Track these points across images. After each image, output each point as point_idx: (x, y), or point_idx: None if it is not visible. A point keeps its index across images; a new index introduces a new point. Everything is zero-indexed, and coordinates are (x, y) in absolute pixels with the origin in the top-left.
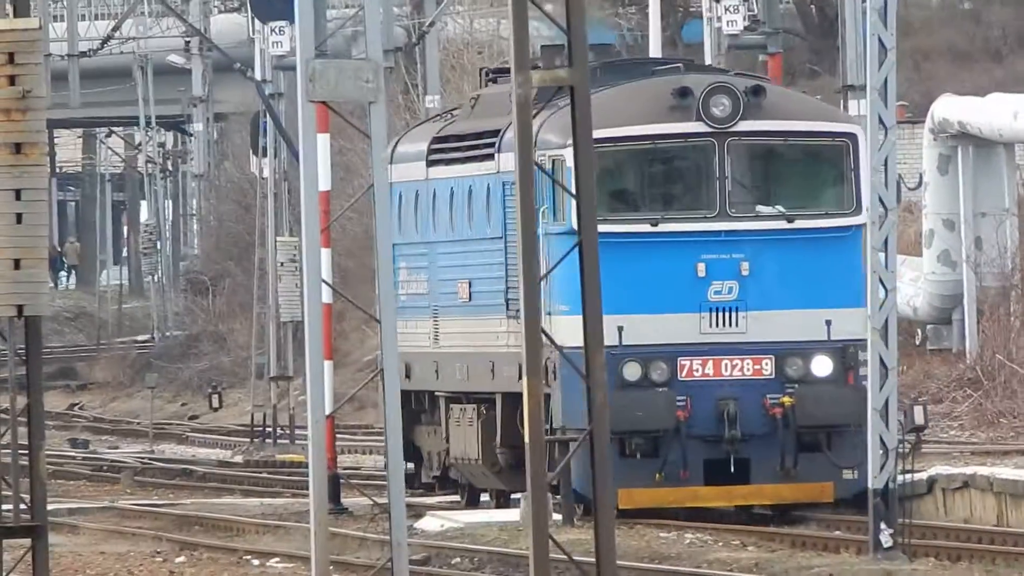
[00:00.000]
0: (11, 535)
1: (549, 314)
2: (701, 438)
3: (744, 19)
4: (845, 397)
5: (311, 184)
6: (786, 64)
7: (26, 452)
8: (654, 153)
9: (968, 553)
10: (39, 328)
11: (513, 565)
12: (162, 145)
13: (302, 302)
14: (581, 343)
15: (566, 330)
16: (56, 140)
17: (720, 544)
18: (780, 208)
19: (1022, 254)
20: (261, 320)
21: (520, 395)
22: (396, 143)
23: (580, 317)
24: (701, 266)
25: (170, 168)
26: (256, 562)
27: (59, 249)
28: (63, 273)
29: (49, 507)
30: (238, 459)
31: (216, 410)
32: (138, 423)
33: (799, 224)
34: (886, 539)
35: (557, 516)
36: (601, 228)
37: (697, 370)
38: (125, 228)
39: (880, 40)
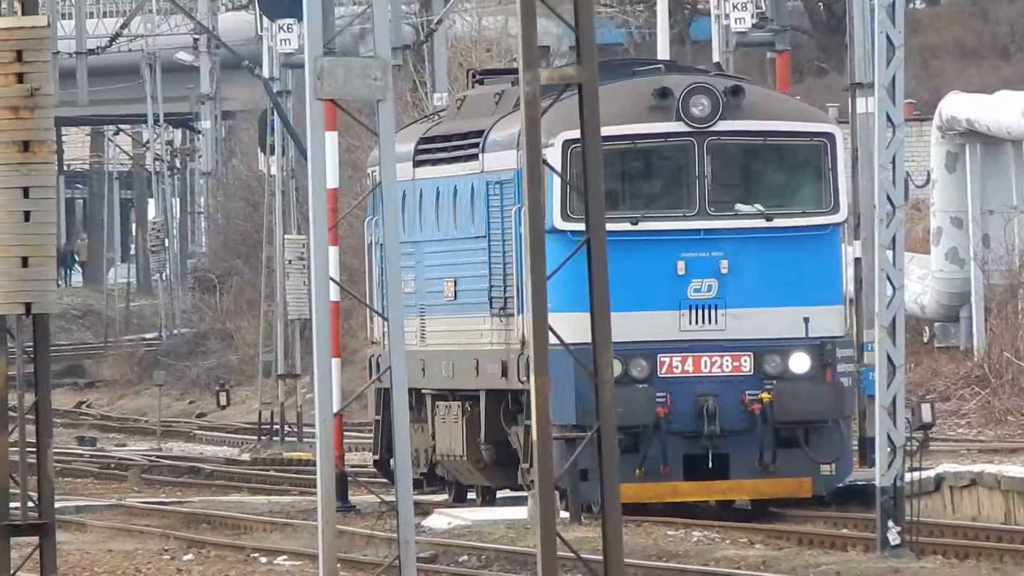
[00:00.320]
0: (19, 533)
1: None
2: (681, 434)
3: (752, 17)
4: (823, 393)
5: (319, 182)
6: (794, 62)
7: (34, 450)
8: (634, 153)
9: (976, 551)
10: (47, 326)
11: (520, 563)
12: (170, 143)
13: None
14: (568, 340)
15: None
16: (64, 138)
17: (727, 542)
18: (759, 207)
19: None
20: (269, 318)
21: (502, 392)
22: None
23: (566, 314)
24: (681, 264)
25: (178, 166)
26: (264, 560)
27: (70, 247)
28: (71, 271)
29: (57, 505)
30: (245, 457)
31: (224, 408)
32: (146, 421)
33: (777, 223)
34: (894, 537)
35: (565, 514)
36: (583, 227)
37: (677, 367)
38: (133, 226)
39: (888, 37)
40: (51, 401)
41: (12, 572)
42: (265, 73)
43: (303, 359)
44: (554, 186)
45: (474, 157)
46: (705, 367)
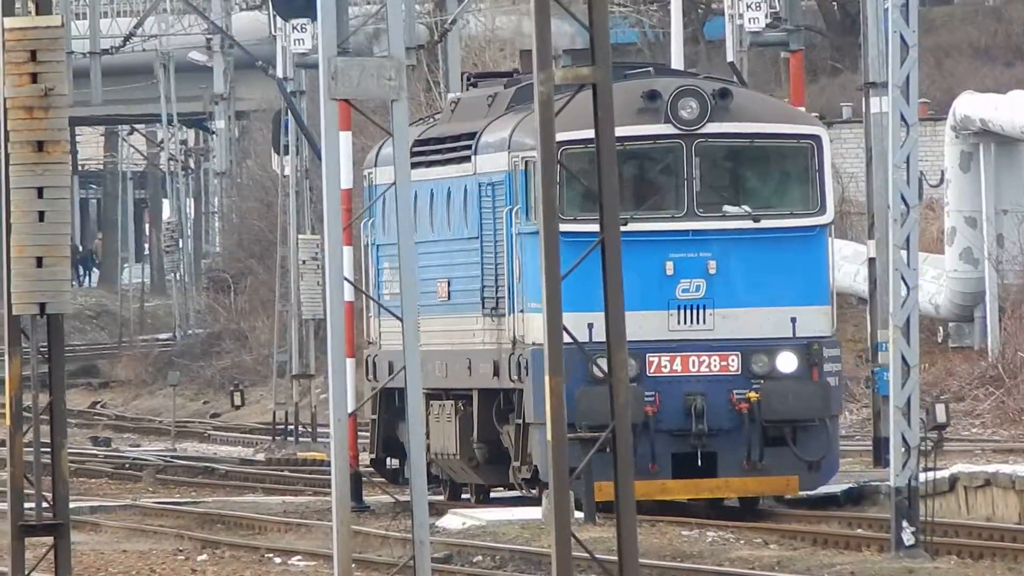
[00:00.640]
0: (33, 533)
1: (522, 311)
2: (669, 432)
3: (766, 16)
4: (809, 392)
5: (333, 182)
6: (808, 61)
7: (48, 450)
8: (623, 154)
9: (990, 551)
10: (61, 326)
11: (535, 563)
12: (184, 143)
13: (324, 300)
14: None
15: (539, 327)
16: (78, 138)
17: (742, 542)
18: (746, 208)
19: None
20: (283, 318)
21: (495, 391)
22: (381, 146)
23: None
24: (669, 265)
25: (192, 166)
26: (278, 560)
27: (90, 247)
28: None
29: (71, 505)
30: (260, 457)
31: (238, 408)
32: (160, 421)
33: (765, 224)
34: (908, 537)
35: (579, 514)
36: (572, 228)
37: (665, 366)
38: (147, 226)
39: (902, 37)
40: (65, 401)
41: (27, 572)
42: (279, 73)
43: (317, 359)
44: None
45: (467, 159)
46: (693, 366)
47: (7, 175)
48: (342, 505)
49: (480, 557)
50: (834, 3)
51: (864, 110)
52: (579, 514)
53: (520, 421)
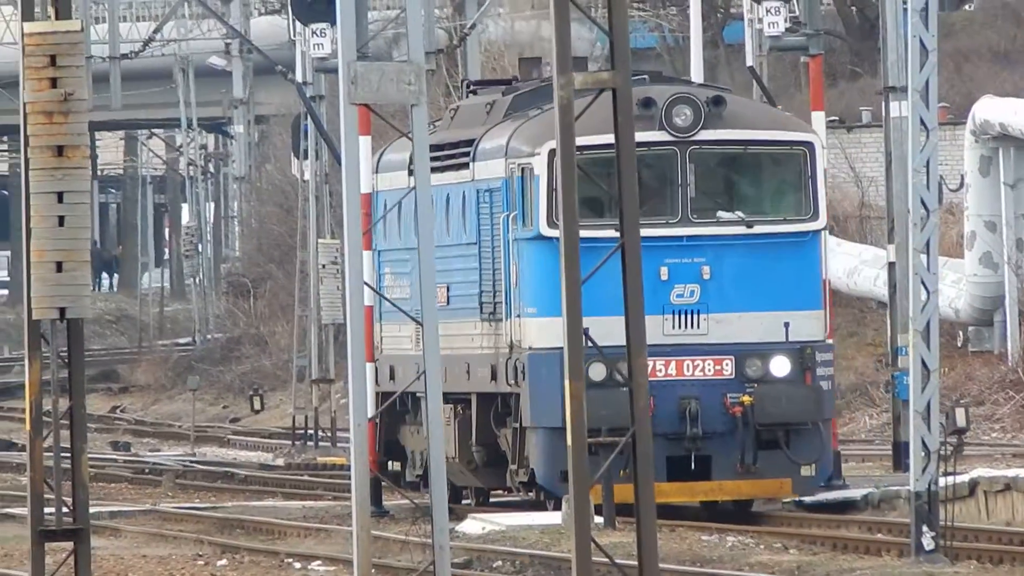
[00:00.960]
0: (53, 538)
1: (519, 316)
2: (664, 436)
3: (785, 21)
4: (803, 396)
5: (353, 186)
6: (827, 66)
7: (68, 455)
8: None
9: (1010, 556)
10: (81, 331)
11: (555, 568)
12: (203, 147)
13: (344, 305)
14: (550, 344)
15: (536, 331)
16: (97, 142)
17: (762, 547)
18: (740, 214)
19: None
20: (302, 323)
21: (492, 395)
22: (382, 153)
23: (549, 319)
24: (664, 270)
25: (211, 170)
26: (298, 565)
27: (113, 252)
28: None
29: (91, 510)
30: (280, 462)
31: (257, 413)
32: (180, 426)
33: (758, 230)
34: (928, 542)
35: (599, 518)
36: None
37: (660, 370)
38: (167, 231)
39: (921, 41)
40: (85, 406)
41: None
42: (298, 78)
43: (337, 364)
44: (540, 193)
45: (465, 166)
46: (688, 370)
47: (27, 180)
48: (362, 510)
49: (500, 562)
50: (853, 7)
51: (884, 114)
52: (599, 519)
53: (517, 425)
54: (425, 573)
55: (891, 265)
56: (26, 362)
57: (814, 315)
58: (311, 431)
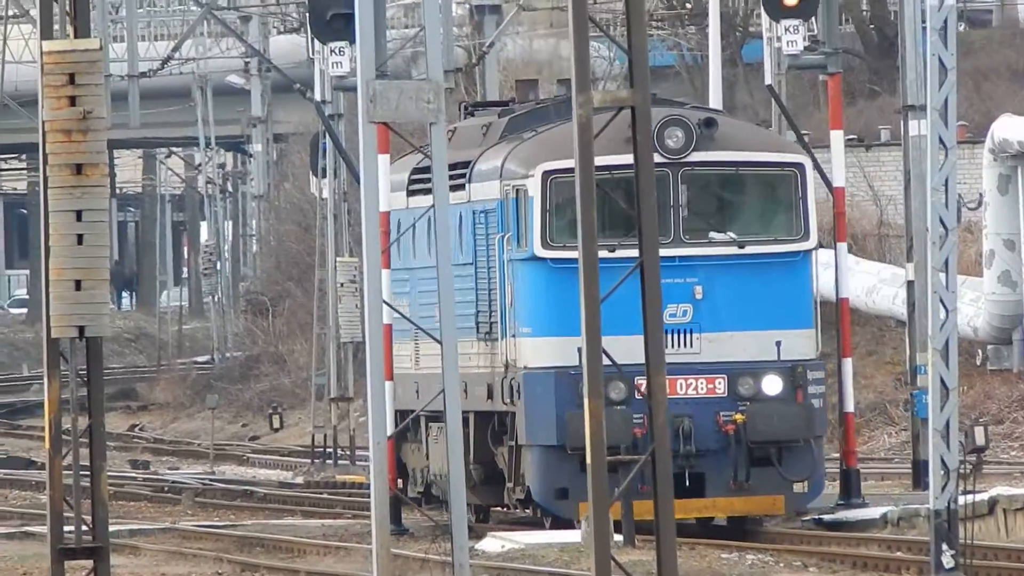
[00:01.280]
0: (73, 556)
1: (514, 336)
2: None
3: (804, 39)
4: (794, 414)
5: (372, 205)
6: (846, 84)
7: (87, 473)
8: (612, 182)
9: None
10: (100, 349)
11: None
12: (222, 166)
13: (362, 323)
14: (544, 363)
15: (531, 351)
16: (116, 161)
17: (781, 565)
18: (732, 235)
19: None
20: (321, 341)
21: (489, 413)
22: None
23: (543, 339)
24: None
25: (230, 189)
26: None
27: (134, 269)
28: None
29: (110, 528)
30: (299, 480)
31: (277, 431)
32: (199, 444)
33: (750, 250)
34: (948, 560)
35: (618, 537)
36: (562, 254)
37: None
38: (185, 249)
39: (940, 60)
40: (104, 424)
41: None
42: (317, 96)
43: (356, 382)
44: (534, 215)
45: (461, 187)
46: (681, 389)
47: (46, 198)
48: (382, 528)
49: None
50: (872, 26)
51: (902, 133)
52: (618, 537)
53: (513, 443)
54: None
55: (910, 284)
56: (45, 380)
57: (805, 334)
58: (330, 449)
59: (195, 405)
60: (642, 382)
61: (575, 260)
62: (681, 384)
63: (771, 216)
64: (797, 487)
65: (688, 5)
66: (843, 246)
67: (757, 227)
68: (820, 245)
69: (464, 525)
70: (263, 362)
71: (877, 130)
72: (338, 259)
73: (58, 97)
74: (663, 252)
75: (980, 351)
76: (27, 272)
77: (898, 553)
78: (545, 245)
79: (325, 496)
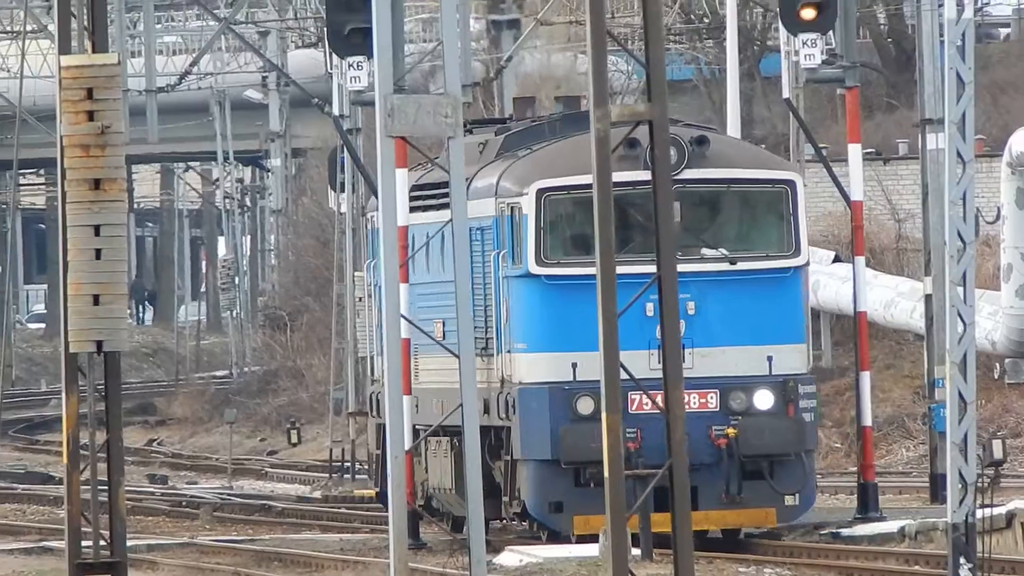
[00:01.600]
0: (91, 571)
1: (509, 352)
2: (651, 467)
3: (822, 53)
4: (786, 428)
5: (390, 219)
6: (864, 98)
7: (105, 488)
8: None
9: None
10: (118, 364)
11: None
12: (240, 180)
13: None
14: (539, 379)
15: (526, 367)
16: (134, 175)
17: None
18: (723, 251)
19: None
20: (339, 355)
21: (486, 428)
22: None
23: (538, 355)
24: (649, 306)
25: (248, 203)
26: None
27: (150, 286)
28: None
29: (128, 543)
30: (317, 494)
31: (295, 445)
32: (217, 459)
33: (741, 266)
34: (965, 574)
35: (636, 551)
36: (556, 271)
37: (647, 404)
38: (203, 264)
39: (958, 74)
40: (122, 439)
41: None
42: (335, 111)
43: None
44: (529, 232)
45: None
46: None
47: (64, 213)
48: (399, 542)
49: None
50: (890, 40)
51: (920, 147)
52: (636, 551)
53: (509, 457)
54: None
55: (928, 297)
56: (63, 395)
57: (797, 349)
58: (348, 464)
59: (213, 420)
60: (635, 397)
61: (569, 277)
62: None
63: (762, 232)
64: (788, 500)
65: (706, 19)
66: (861, 260)
67: (748, 243)
68: (838, 259)
69: (482, 539)
70: (281, 377)
71: (895, 143)
72: (356, 273)
73: (76, 112)
74: (654, 268)
75: (998, 365)
76: (45, 287)
77: (916, 567)
78: (539, 262)
79: (343, 511)
